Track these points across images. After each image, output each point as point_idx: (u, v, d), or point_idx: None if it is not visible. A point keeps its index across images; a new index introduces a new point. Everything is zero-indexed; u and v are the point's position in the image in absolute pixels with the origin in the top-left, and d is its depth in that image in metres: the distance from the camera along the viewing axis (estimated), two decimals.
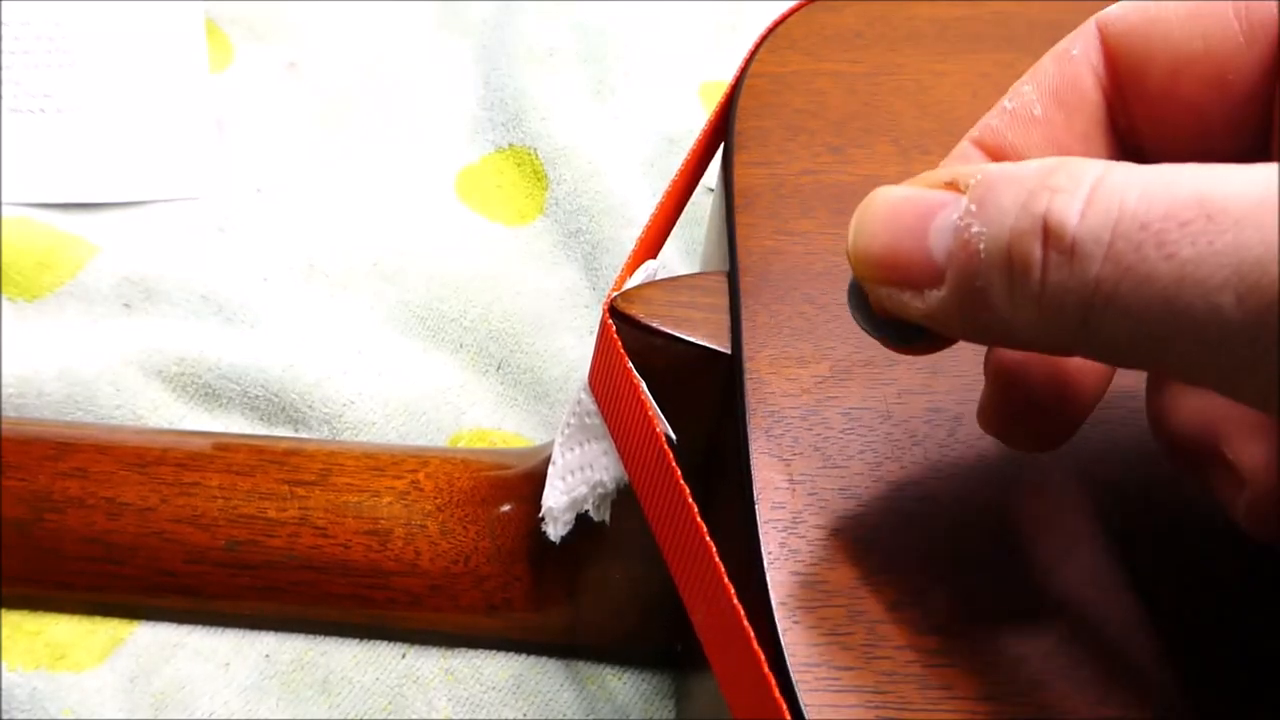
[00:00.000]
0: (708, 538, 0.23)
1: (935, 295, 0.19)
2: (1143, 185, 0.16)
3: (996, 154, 0.21)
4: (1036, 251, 0.17)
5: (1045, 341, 0.18)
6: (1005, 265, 0.18)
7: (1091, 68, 0.21)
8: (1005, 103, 0.21)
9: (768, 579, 0.23)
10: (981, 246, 0.18)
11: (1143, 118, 0.21)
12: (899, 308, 0.20)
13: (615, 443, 0.28)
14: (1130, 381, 0.24)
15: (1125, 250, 0.16)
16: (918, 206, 0.19)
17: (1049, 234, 0.17)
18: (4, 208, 0.43)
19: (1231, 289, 0.15)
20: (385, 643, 0.35)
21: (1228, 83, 0.19)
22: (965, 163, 0.21)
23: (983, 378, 0.22)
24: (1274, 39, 0.19)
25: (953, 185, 0.19)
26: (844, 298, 0.27)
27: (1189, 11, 0.19)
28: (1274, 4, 0.19)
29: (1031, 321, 0.18)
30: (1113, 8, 0.21)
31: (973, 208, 0.18)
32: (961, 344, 0.21)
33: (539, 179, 0.46)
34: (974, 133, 0.21)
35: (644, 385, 0.26)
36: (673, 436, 0.25)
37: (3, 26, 0.47)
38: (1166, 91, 0.20)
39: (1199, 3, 0.19)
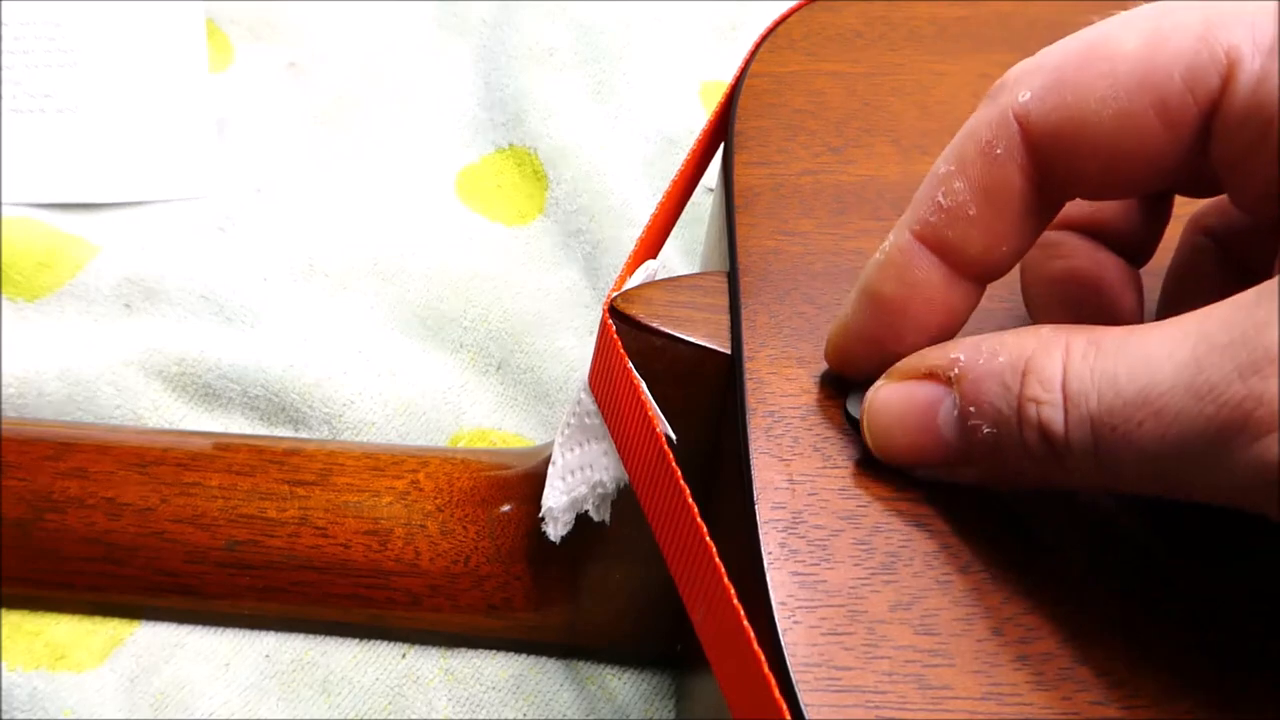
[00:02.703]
0: (708, 538, 0.23)
1: (969, 471, 0.23)
2: (1097, 390, 0.20)
3: (937, 248, 0.23)
4: (1045, 448, 0.21)
5: (1084, 490, 0.23)
6: (1024, 456, 0.21)
7: (1018, 167, 0.22)
8: (939, 197, 0.23)
9: (768, 579, 0.23)
10: (997, 442, 0.22)
11: (1075, 190, 0.23)
12: (936, 479, 0.24)
13: (615, 443, 0.28)
14: None
15: (1107, 447, 0.20)
16: (917, 405, 0.23)
17: (1049, 439, 0.21)
18: (4, 208, 0.43)
19: (1187, 458, 0.19)
20: (385, 643, 0.35)
21: (1158, 164, 0.22)
22: (909, 257, 0.23)
23: None
24: (1191, 125, 0.21)
25: (932, 375, 0.23)
26: (842, 296, 0.27)
27: (1115, 115, 0.21)
28: (1187, 98, 0.21)
29: (1065, 483, 0.22)
30: (1031, 101, 0.22)
31: (971, 409, 0.22)
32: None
33: (539, 179, 0.46)
34: (915, 226, 0.23)
35: (644, 385, 0.26)
36: (673, 436, 0.25)
37: (3, 26, 0.47)
38: (1103, 180, 0.22)
39: (1121, 105, 0.21)
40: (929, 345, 0.24)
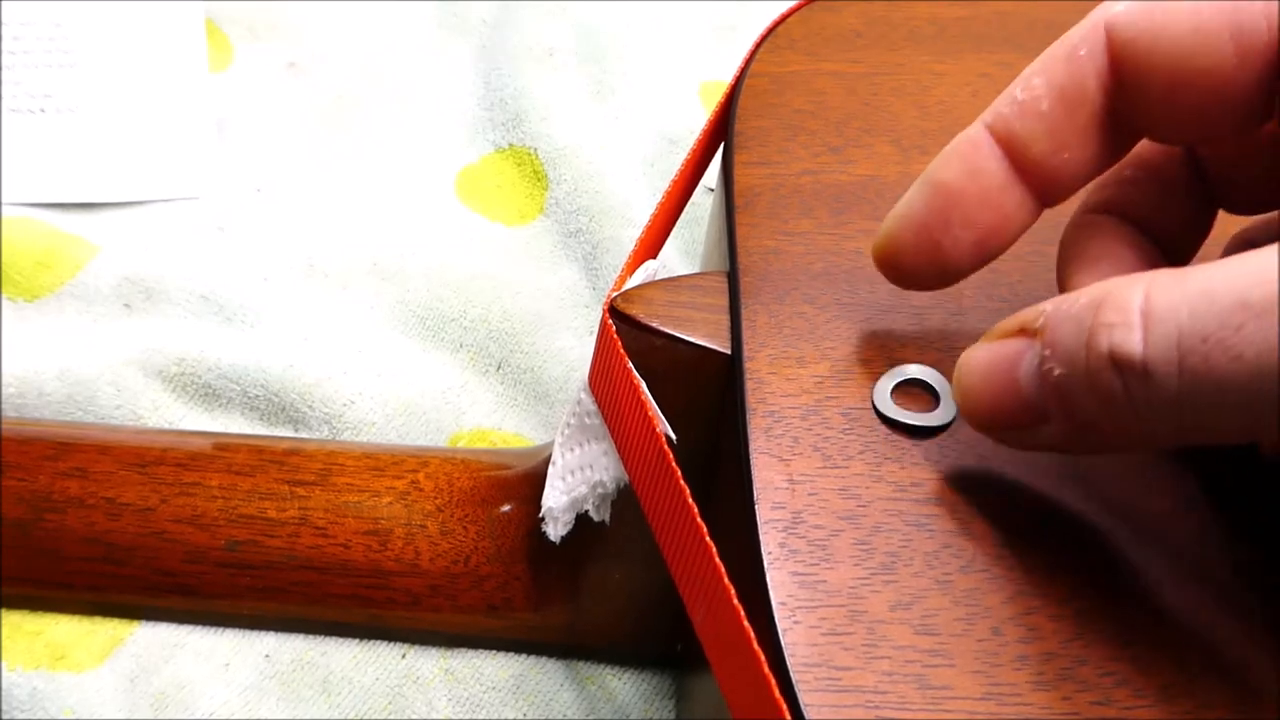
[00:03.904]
0: (708, 538, 0.23)
1: (1047, 430, 0.22)
2: (1189, 304, 0.19)
3: (1004, 140, 0.23)
4: (1116, 381, 0.20)
5: (1158, 439, 0.21)
6: (1094, 397, 0.20)
7: (1096, 70, 0.23)
8: (1017, 92, 0.23)
9: (768, 579, 0.23)
10: (1066, 385, 0.21)
11: (1141, 115, 0.23)
12: (1020, 444, 0.23)
13: (615, 443, 0.28)
14: None
15: (1196, 363, 0.19)
16: (1004, 359, 0.22)
17: (1120, 365, 0.20)
18: (4, 208, 0.43)
19: None
20: (385, 643, 0.35)
21: (1223, 96, 0.22)
22: (976, 146, 0.23)
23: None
24: (1261, 55, 0.21)
25: (1024, 330, 0.22)
26: (842, 297, 0.27)
27: (1191, 30, 0.21)
28: (1261, 23, 0.21)
29: (1138, 430, 0.20)
30: (1121, 11, 0.22)
31: (1046, 352, 0.21)
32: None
33: (539, 179, 0.46)
34: (987, 118, 0.24)
35: (644, 385, 0.26)
36: (673, 436, 0.25)
37: (3, 26, 0.47)
38: (1166, 99, 0.22)
39: (1200, 20, 0.21)
40: (973, 244, 0.24)
